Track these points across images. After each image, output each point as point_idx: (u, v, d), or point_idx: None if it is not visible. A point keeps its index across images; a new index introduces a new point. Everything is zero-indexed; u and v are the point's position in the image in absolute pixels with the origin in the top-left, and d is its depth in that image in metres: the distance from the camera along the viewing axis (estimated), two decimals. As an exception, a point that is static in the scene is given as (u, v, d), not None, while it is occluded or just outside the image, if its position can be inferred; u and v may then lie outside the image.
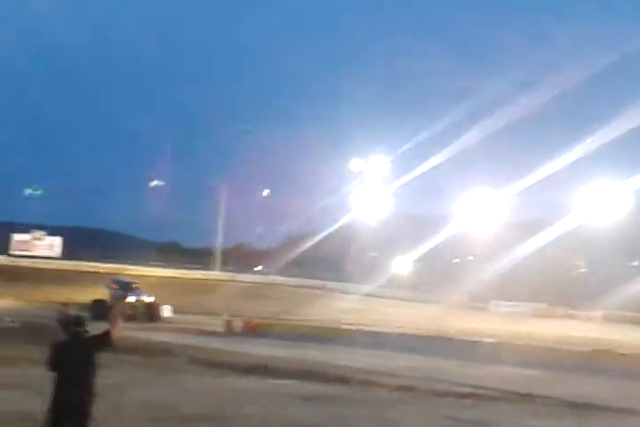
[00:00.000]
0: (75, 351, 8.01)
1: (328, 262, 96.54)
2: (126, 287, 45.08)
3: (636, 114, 67.92)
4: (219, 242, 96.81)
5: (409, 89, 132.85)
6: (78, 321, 8.21)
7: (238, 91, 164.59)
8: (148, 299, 43.96)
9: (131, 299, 42.71)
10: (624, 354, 27.09)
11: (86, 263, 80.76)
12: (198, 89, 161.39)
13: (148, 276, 67.00)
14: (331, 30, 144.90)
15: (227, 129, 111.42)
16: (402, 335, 33.77)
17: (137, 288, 45.46)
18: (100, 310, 40.74)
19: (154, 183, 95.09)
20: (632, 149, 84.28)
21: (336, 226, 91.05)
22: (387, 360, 25.06)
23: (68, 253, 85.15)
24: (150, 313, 42.35)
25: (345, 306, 59.72)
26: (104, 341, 8.03)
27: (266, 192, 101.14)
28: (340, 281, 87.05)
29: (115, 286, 45.47)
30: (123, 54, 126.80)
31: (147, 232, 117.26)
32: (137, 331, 32.99)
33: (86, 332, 8.18)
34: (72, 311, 34.65)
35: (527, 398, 17.10)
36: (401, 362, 24.58)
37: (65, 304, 36.39)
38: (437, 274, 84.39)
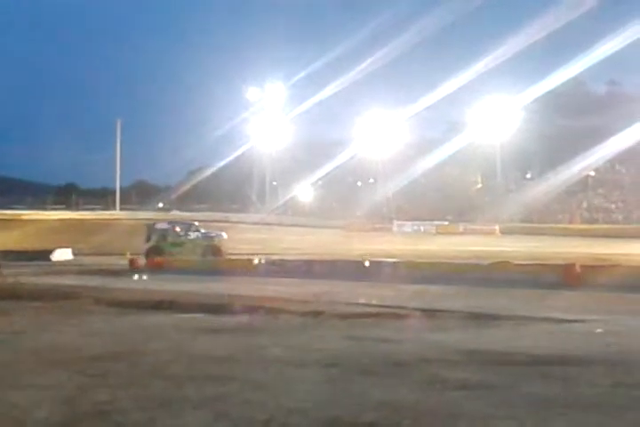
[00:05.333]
0: None
1: (230, 194, 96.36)
2: (195, 228, 41.33)
3: (530, 31, 69.32)
4: (117, 180, 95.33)
5: (304, 16, 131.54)
6: None
7: (131, 20, 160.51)
8: (225, 236, 41.39)
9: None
10: (520, 264, 28.07)
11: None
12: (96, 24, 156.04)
13: (48, 220, 65.63)
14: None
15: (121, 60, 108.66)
16: (307, 262, 34.15)
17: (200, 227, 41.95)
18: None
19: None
20: (520, 66, 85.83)
21: (235, 155, 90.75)
22: (293, 288, 25.37)
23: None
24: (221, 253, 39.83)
25: (249, 237, 59.80)
26: None
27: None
28: (243, 212, 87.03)
29: (177, 228, 41.20)
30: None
31: (43, 176, 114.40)
32: (41, 276, 32.52)
33: None
34: None
35: (430, 313, 17.54)
36: (307, 288, 24.90)
37: None
38: (340, 199, 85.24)
